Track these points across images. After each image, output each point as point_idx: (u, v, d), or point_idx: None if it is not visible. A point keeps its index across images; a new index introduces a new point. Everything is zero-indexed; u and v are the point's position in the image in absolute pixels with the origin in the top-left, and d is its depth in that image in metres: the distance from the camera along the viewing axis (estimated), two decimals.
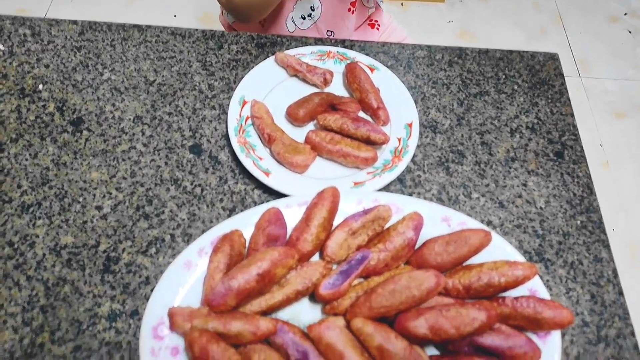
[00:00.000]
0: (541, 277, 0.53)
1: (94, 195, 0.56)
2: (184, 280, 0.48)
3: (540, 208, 0.58)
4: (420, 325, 0.44)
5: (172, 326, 0.45)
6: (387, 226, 0.52)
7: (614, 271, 0.54)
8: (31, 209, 0.55)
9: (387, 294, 0.45)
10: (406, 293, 0.45)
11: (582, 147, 0.62)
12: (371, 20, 0.89)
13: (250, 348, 0.44)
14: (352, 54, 0.66)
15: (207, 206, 0.56)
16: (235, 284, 0.45)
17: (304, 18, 0.79)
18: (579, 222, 0.57)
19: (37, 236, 0.54)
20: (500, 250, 0.50)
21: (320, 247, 0.51)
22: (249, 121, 0.60)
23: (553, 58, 0.70)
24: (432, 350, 0.47)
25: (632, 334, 0.51)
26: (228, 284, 0.45)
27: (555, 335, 0.46)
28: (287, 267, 0.47)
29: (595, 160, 1.53)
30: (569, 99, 0.66)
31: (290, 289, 0.47)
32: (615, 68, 1.82)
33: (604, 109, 1.71)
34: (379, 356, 0.43)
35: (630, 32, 1.93)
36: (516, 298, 0.46)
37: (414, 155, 0.61)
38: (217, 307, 0.44)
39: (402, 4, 1.82)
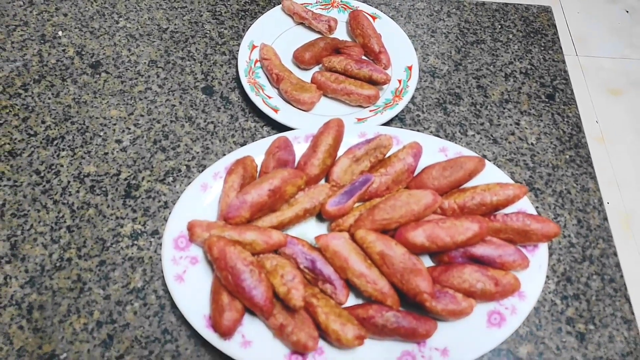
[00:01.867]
0: (531, 204, 0.57)
1: (114, 130, 0.60)
2: (201, 200, 0.52)
3: (532, 144, 0.61)
4: (418, 234, 0.48)
5: (192, 237, 0.49)
6: (388, 155, 0.55)
7: (600, 200, 0.58)
8: (55, 142, 0.59)
9: (388, 209, 0.49)
10: (406, 207, 0.49)
11: (572, 91, 0.65)
12: None
13: (264, 256, 0.48)
14: (355, 3, 0.69)
15: (220, 141, 0.60)
16: (249, 198, 0.49)
17: None
18: (567, 156, 0.61)
19: (62, 166, 0.57)
20: (493, 176, 0.54)
21: (327, 173, 0.54)
22: (258, 64, 0.64)
23: (546, 10, 0.73)
24: (429, 263, 0.51)
25: (615, 254, 0.55)
26: (242, 197, 0.49)
27: (543, 248, 0.50)
28: (296, 185, 0.51)
29: (590, 136, 1.57)
30: (560, 47, 0.69)
31: (299, 207, 0.51)
32: (612, 46, 1.85)
33: (600, 86, 1.75)
34: (381, 261, 0.47)
35: (627, 11, 1.96)
36: (506, 214, 0.50)
37: (414, 97, 0.64)
38: (232, 218, 0.48)
39: None
